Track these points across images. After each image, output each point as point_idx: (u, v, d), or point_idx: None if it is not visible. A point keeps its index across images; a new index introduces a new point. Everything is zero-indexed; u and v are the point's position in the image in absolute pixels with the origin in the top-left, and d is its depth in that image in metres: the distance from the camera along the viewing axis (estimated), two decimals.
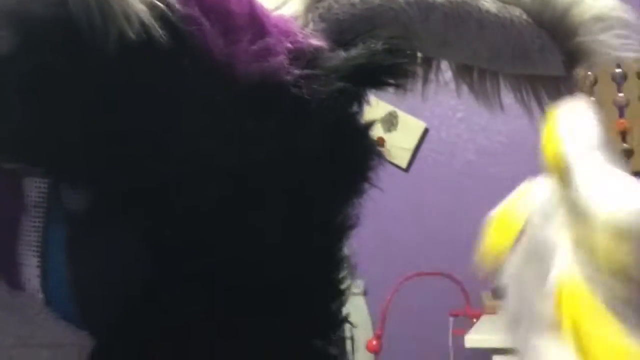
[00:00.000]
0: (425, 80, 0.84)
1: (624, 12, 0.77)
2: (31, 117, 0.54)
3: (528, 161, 2.94)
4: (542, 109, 0.85)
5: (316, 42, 0.65)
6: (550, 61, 0.78)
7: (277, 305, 0.59)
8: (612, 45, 0.77)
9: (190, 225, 0.56)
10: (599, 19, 0.77)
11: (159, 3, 0.55)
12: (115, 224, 0.56)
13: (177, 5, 0.56)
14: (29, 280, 0.58)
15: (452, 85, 0.86)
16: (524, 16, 0.76)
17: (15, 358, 0.56)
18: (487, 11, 0.74)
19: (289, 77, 0.61)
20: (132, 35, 0.53)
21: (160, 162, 0.55)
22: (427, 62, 0.83)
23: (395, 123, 2.89)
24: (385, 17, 0.70)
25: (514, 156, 2.91)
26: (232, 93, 0.58)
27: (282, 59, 0.61)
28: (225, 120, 0.57)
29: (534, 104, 0.86)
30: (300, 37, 0.65)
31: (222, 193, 0.56)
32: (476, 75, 0.84)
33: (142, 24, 0.54)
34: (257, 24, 0.62)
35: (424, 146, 3.00)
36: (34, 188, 0.58)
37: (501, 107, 0.87)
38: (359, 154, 0.70)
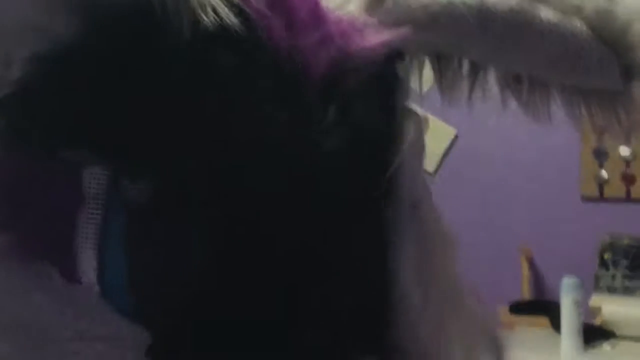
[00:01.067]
0: (472, 90, 0.83)
1: None
2: (95, 103, 0.54)
3: (557, 179, 2.93)
4: (594, 124, 0.84)
5: (372, 44, 0.65)
6: (608, 75, 0.77)
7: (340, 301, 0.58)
8: None
9: (254, 219, 0.55)
10: None
11: None
12: (176, 216, 0.56)
13: None
14: (85, 273, 0.58)
15: (498, 97, 0.85)
16: (584, 28, 0.75)
17: (72, 352, 0.56)
18: (549, 21, 0.73)
19: (341, 74, 0.61)
20: (206, 23, 0.53)
21: (225, 151, 0.55)
22: (475, 71, 0.82)
23: (426, 126, 2.86)
24: (444, 23, 0.70)
25: (543, 173, 2.90)
26: (295, 86, 0.58)
27: (339, 55, 0.61)
28: (291, 111, 0.57)
29: (584, 119, 0.84)
30: (358, 38, 0.64)
31: (289, 185, 0.55)
32: (526, 86, 0.83)
33: (216, 12, 0.54)
34: (319, 20, 0.62)
35: (452, 153, 2.99)
36: (94, 179, 0.57)
37: (549, 120, 0.86)
38: None
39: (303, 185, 0.56)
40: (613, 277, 2.69)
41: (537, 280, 2.92)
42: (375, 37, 0.65)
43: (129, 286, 0.57)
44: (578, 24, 0.75)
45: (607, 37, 0.75)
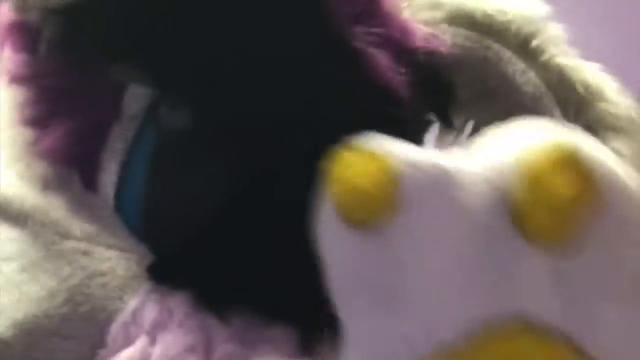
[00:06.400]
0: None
1: None
2: (147, 18, 0.56)
3: None
4: None
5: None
6: None
7: None
8: None
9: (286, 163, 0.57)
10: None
11: None
12: (207, 149, 0.58)
13: None
14: (105, 186, 0.60)
15: None
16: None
17: (82, 251, 0.57)
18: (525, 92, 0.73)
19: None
20: None
21: (267, 93, 0.56)
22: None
23: None
24: (471, 62, 0.69)
25: None
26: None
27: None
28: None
29: None
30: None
31: (319, 138, 0.53)
32: None
33: None
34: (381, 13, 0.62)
35: None
36: (134, 101, 0.59)
37: None
38: None
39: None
40: None
41: None
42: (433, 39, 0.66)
43: (143, 208, 0.59)
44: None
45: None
